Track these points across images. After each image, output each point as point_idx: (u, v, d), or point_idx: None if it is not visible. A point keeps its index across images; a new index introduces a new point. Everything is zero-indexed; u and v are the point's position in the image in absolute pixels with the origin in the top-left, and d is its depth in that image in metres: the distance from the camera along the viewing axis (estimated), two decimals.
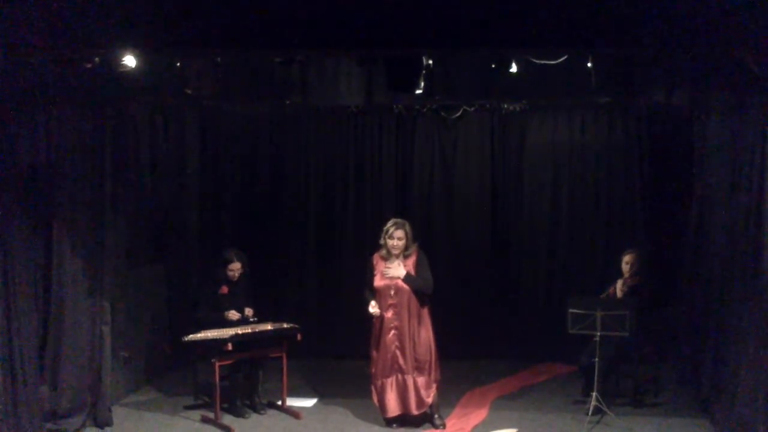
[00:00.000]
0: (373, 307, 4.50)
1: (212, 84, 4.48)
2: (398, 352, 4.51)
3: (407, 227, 4.55)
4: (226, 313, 4.91)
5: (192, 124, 6.05)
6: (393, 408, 4.55)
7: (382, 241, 4.57)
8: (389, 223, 4.57)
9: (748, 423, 3.94)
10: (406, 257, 4.54)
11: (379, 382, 4.58)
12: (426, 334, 4.54)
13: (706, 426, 4.61)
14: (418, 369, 4.52)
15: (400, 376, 4.53)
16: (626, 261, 5.08)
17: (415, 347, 4.51)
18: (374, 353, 4.61)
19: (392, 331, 4.51)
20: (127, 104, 5.02)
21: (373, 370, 4.60)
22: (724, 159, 4.60)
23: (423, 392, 4.52)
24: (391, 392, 4.54)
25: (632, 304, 4.72)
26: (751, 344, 3.96)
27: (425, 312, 4.55)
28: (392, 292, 4.49)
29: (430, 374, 4.53)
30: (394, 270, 4.50)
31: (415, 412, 4.54)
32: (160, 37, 3.89)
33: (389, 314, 4.50)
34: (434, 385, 4.56)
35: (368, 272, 4.60)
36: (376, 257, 4.61)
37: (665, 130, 5.85)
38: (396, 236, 4.50)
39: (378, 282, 4.54)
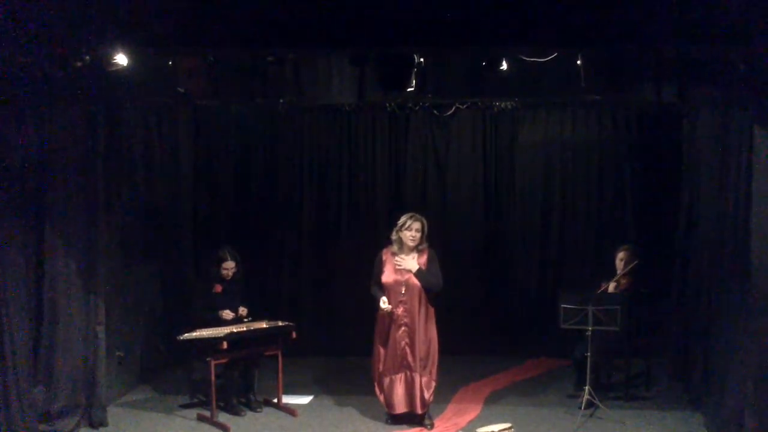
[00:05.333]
0: (385, 303, 4.46)
1: (205, 83, 4.47)
2: (408, 349, 4.47)
3: (424, 220, 4.52)
4: (220, 312, 4.91)
5: (185, 122, 6.04)
6: (400, 405, 4.52)
7: (393, 236, 4.52)
8: (405, 216, 4.52)
9: (737, 416, 4.00)
10: (418, 251, 4.50)
11: (387, 379, 4.54)
12: (432, 334, 4.51)
13: (697, 419, 4.67)
14: (424, 369, 4.49)
15: (408, 373, 4.50)
16: (620, 258, 5.12)
17: (423, 346, 4.47)
18: (381, 350, 4.56)
19: (402, 328, 4.47)
20: (119, 103, 5.00)
21: (381, 368, 4.55)
22: (713, 155, 4.65)
23: (426, 392, 4.50)
24: (400, 389, 4.51)
25: (624, 300, 4.78)
26: (740, 339, 4.02)
27: (432, 311, 4.52)
28: (403, 289, 4.45)
29: (432, 374, 4.52)
30: (407, 262, 4.46)
31: (419, 411, 4.51)
32: (152, 36, 3.88)
33: (400, 310, 4.47)
34: (433, 385, 4.54)
35: (376, 267, 4.55)
36: (385, 253, 4.56)
37: (654, 127, 5.92)
38: (414, 227, 4.45)
39: (388, 278, 4.49)
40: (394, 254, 4.52)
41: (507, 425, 4.26)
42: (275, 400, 5.04)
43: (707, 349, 4.66)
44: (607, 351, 4.94)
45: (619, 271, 5.09)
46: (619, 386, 5.15)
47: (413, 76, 4.11)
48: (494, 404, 5.05)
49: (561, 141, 6.13)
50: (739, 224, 4.11)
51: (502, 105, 6.07)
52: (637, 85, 4.48)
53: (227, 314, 4.91)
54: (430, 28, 3.81)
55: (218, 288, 5.00)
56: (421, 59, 4.08)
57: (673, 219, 5.57)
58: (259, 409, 4.98)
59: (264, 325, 4.91)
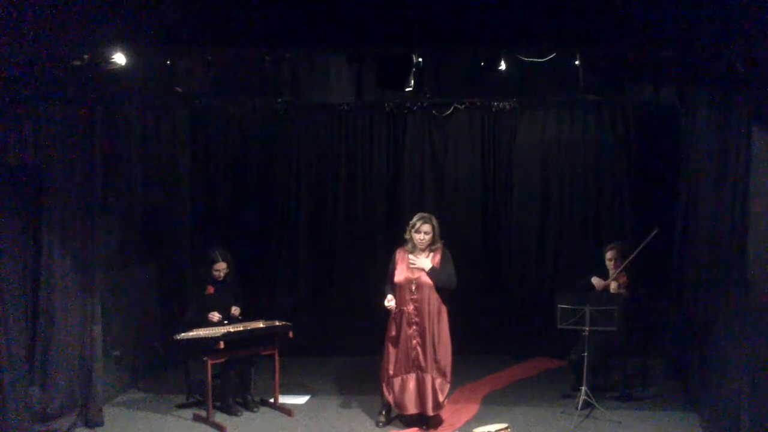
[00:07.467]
0: (389, 301, 4.42)
1: (203, 82, 4.46)
2: (419, 348, 4.42)
3: (434, 222, 4.47)
4: (209, 315, 4.89)
5: (183, 122, 6.03)
6: (411, 406, 4.46)
7: (407, 235, 4.48)
8: (416, 217, 4.48)
9: (733, 417, 4.00)
10: (431, 252, 4.46)
11: (398, 380, 4.47)
12: (446, 335, 4.46)
13: (693, 419, 4.68)
14: (437, 370, 4.44)
15: (420, 373, 4.45)
16: (608, 257, 5.08)
17: (435, 347, 4.43)
18: (391, 349, 4.49)
19: (413, 327, 4.42)
20: (116, 102, 4.99)
21: (391, 370, 4.49)
22: (710, 155, 4.66)
23: (440, 394, 4.44)
24: (411, 390, 4.45)
25: (621, 299, 4.78)
26: (737, 338, 4.02)
27: (444, 311, 4.47)
28: (413, 287, 4.41)
29: (446, 376, 4.46)
30: (420, 261, 4.43)
31: (431, 413, 4.45)
32: (150, 35, 3.87)
33: (410, 309, 4.43)
34: (447, 387, 4.48)
35: (390, 266, 4.52)
36: (399, 251, 4.52)
37: (652, 126, 5.93)
38: (423, 230, 4.42)
39: (399, 276, 4.45)
40: (407, 253, 4.49)
41: (504, 425, 4.25)
42: (272, 400, 5.02)
43: (704, 348, 4.66)
44: (604, 351, 4.94)
45: (611, 272, 5.05)
46: (615, 386, 5.15)
47: (411, 75, 4.11)
48: (491, 404, 5.05)
49: (559, 141, 6.12)
50: (736, 224, 4.11)
51: (501, 105, 6.07)
52: (635, 85, 4.49)
53: (213, 315, 4.89)
54: (429, 28, 3.80)
55: (210, 289, 4.99)
56: (420, 59, 4.08)
57: (671, 219, 5.57)
58: (255, 409, 4.97)
59: (261, 324, 4.89)
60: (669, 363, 5.53)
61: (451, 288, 4.47)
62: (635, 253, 4.92)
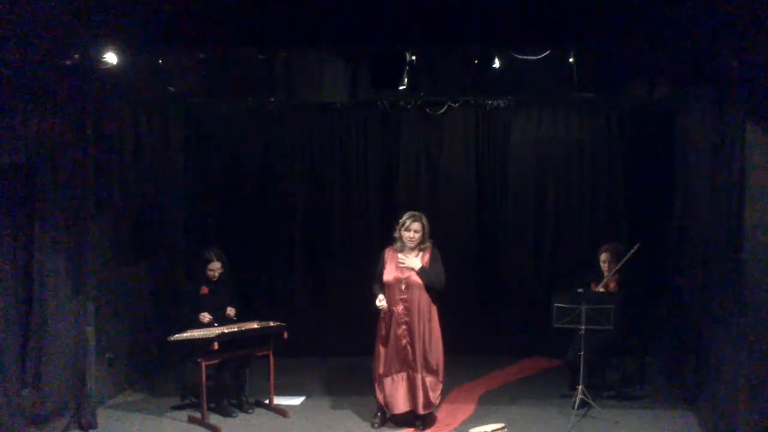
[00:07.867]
0: (381, 301, 4.42)
1: (196, 81, 4.44)
2: (409, 348, 4.42)
3: (424, 220, 4.46)
4: (201, 315, 4.86)
5: (176, 121, 6.00)
6: (402, 404, 4.46)
7: (396, 234, 4.48)
8: (406, 216, 4.48)
9: (729, 415, 4.00)
10: (421, 251, 4.45)
11: (388, 379, 4.48)
12: (437, 334, 4.46)
13: (690, 418, 4.67)
14: (428, 369, 4.43)
15: (411, 372, 4.45)
16: (603, 259, 5.05)
17: (425, 346, 4.42)
18: (381, 349, 4.49)
19: (403, 327, 4.42)
20: (109, 102, 4.96)
21: (381, 370, 4.49)
22: (706, 153, 4.65)
23: (431, 393, 4.44)
24: (401, 388, 4.45)
25: (617, 298, 4.77)
26: (733, 338, 4.02)
27: (434, 311, 4.47)
28: (403, 287, 4.40)
29: (438, 375, 4.46)
30: (410, 260, 4.42)
31: (422, 411, 4.45)
32: (142, 34, 3.85)
33: (400, 309, 4.42)
34: (440, 387, 4.48)
35: (379, 265, 4.50)
36: (388, 250, 4.51)
37: (647, 124, 5.92)
38: (413, 228, 4.42)
39: (388, 276, 4.44)
40: (396, 252, 4.48)
41: (500, 425, 4.24)
42: (267, 401, 5.00)
43: (700, 348, 4.66)
44: (601, 350, 4.93)
45: (606, 273, 5.02)
46: (612, 385, 5.14)
47: (405, 74, 4.10)
48: (488, 404, 5.03)
49: (554, 139, 6.12)
50: (732, 222, 4.11)
51: (495, 103, 6.07)
52: (630, 83, 4.49)
53: (203, 317, 4.86)
54: (422, 27, 3.79)
55: (204, 289, 4.96)
56: (413, 57, 4.07)
57: (667, 217, 5.56)
58: (250, 411, 4.94)
59: (255, 325, 4.87)
60: (666, 362, 5.52)
61: (440, 288, 4.47)
62: (619, 265, 4.91)
